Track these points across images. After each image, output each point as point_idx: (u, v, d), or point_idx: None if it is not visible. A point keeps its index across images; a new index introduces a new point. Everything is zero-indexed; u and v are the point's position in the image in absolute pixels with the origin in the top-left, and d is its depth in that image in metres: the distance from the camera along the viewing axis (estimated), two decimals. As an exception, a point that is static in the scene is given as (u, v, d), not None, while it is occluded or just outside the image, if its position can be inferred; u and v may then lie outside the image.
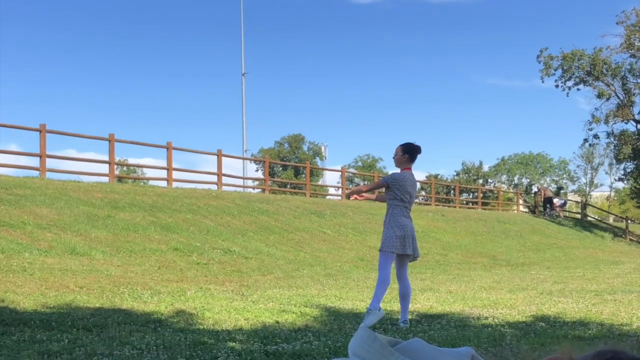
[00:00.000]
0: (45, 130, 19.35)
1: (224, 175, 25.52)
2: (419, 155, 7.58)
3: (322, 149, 48.57)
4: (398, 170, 7.59)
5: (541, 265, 19.43)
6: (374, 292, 7.48)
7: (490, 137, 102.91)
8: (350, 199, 8.09)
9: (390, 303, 9.36)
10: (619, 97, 38.74)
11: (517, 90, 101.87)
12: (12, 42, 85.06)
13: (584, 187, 74.14)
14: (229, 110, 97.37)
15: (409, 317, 7.74)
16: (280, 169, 64.78)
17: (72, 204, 15.22)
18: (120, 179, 26.81)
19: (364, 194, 8.03)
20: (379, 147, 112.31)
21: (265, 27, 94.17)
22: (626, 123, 39.91)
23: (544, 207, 38.71)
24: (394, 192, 7.38)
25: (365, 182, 57.77)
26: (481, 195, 44.27)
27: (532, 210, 41.62)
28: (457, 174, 69.49)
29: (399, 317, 7.71)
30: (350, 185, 43.14)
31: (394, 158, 7.58)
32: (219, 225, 17.18)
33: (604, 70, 37.81)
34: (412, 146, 7.53)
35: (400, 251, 7.32)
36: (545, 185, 41.86)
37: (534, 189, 50.49)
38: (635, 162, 39.95)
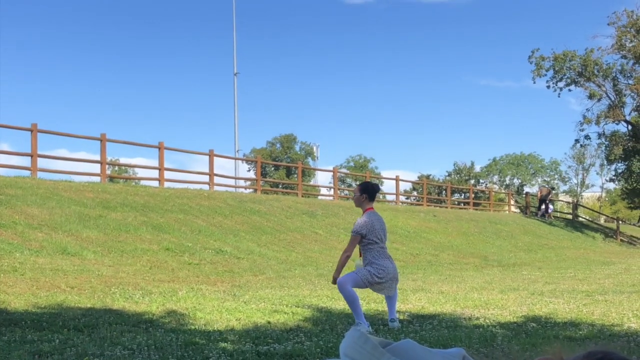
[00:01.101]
0: (37, 130, 19.29)
1: (216, 175, 25.48)
2: (375, 193, 7.56)
3: (314, 149, 48.65)
4: (360, 212, 7.53)
5: (532, 266, 19.47)
6: (352, 311, 7.32)
7: (482, 137, 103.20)
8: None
9: (382, 304, 9.38)
10: (610, 98, 38.88)
11: (508, 91, 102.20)
12: (3, 41, 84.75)
13: (575, 188, 74.40)
14: (221, 110, 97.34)
15: (399, 316, 7.75)
16: (272, 169, 64.74)
17: (64, 204, 15.18)
18: (111, 178, 26.74)
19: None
20: (371, 148, 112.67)
21: (257, 27, 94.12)
22: (617, 124, 40.08)
23: (538, 206, 38.77)
24: (368, 238, 7.27)
25: (357, 182, 57.78)
26: (473, 195, 44.35)
27: (524, 211, 41.71)
28: (449, 175, 69.61)
29: (388, 317, 7.69)
30: (342, 186, 43.10)
31: (353, 199, 7.52)
32: (211, 225, 17.16)
33: (595, 71, 37.93)
34: (369, 185, 7.59)
35: (368, 286, 7.30)
36: (547, 187, 41.90)
37: (535, 189, 50.61)
38: (626, 163, 40.09)
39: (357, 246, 7.39)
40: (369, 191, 7.46)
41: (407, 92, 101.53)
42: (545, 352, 0.90)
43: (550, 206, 39.11)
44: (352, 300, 7.16)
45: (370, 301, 9.61)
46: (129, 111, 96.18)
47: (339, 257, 7.59)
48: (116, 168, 50.77)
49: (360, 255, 7.50)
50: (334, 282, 7.34)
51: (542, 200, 38.54)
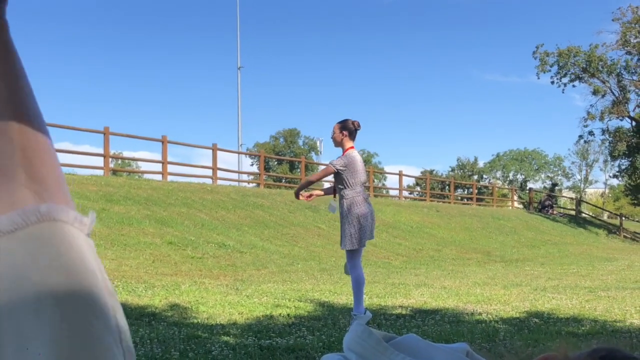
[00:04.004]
0: (40, 123, 19.28)
1: (219, 169, 25.50)
2: (355, 131, 6.95)
3: (318, 144, 48.64)
4: (340, 153, 6.98)
5: (535, 262, 19.46)
6: (353, 296, 6.90)
7: (486, 133, 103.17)
8: (300, 199, 7.19)
9: (385, 298, 9.38)
10: (614, 94, 38.82)
11: (513, 86, 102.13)
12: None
13: (579, 184, 74.32)
14: (225, 104, 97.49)
15: (402, 312, 7.75)
16: (276, 163, 64.75)
17: (67, 197, 15.18)
18: (114, 172, 26.77)
19: (313, 193, 7.34)
20: (374, 143, 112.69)
21: (261, 21, 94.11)
22: (621, 120, 40.03)
23: (539, 208, 38.72)
24: (346, 179, 6.79)
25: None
26: (476, 191, 44.36)
27: (527, 207, 41.70)
28: (452, 170, 69.63)
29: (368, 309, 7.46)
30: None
31: (332, 138, 6.99)
32: (214, 219, 17.17)
33: (600, 67, 37.88)
34: (348, 121, 6.94)
35: (365, 241, 6.83)
36: (544, 193, 41.89)
37: (539, 185, 50.52)
38: (629, 159, 40.06)
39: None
40: (348, 128, 6.89)
41: (411, 87, 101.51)
42: (548, 349, 0.89)
43: (552, 207, 39.03)
44: (358, 282, 6.76)
45: (373, 296, 9.61)
46: (132, 105, 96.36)
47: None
48: (119, 161, 50.78)
49: (335, 196, 7.12)
50: (296, 196, 7.02)
51: (543, 206, 38.47)
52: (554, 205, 38.95)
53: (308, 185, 7.51)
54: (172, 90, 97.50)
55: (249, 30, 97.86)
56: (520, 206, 45.65)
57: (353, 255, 6.85)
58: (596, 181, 75.83)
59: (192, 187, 20.81)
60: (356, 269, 6.82)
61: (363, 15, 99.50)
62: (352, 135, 6.93)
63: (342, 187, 6.86)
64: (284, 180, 36.04)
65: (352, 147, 6.92)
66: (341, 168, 6.77)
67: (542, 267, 17.18)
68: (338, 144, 6.97)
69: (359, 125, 6.95)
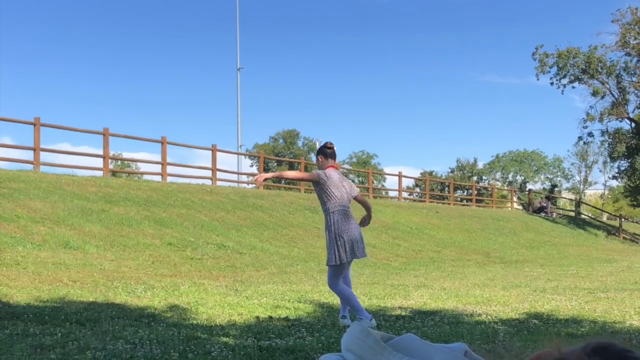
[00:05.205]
0: (40, 124, 19.30)
1: (219, 170, 25.49)
2: (329, 151, 7.09)
3: (317, 145, 48.54)
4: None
5: (535, 263, 19.47)
6: (351, 308, 6.91)
7: (485, 134, 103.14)
8: (257, 182, 6.98)
9: (384, 299, 9.38)
10: (613, 95, 38.83)
11: (512, 88, 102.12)
12: (7, 35, 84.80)
13: (578, 185, 74.29)
14: (224, 106, 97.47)
15: (402, 312, 7.75)
16: (275, 164, 64.70)
17: (66, 198, 15.19)
18: (114, 173, 26.77)
19: (275, 176, 7.39)
20: (374, 144, 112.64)
21: (260, 22, 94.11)
22: (620, 121, 40.03)
23: (535, 211, 38.72)
24: (327, 191, 6.89)
25: (360, 179, 57.74)
26: (475, 192, 44.34)
27: (526, 208, 41.70)
28: (452, 171, 69.61)
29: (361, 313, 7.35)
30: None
31: (317, 166, 7.19)
32: (213, 220, 17.17)
33: (599, 68, 37.87)
34: (321, 147, 7.22)
35: (348, 259, 6.78)
36: (539, 199, 41.82)
37: (538, 186, 50.52)
38: (629, 160, 40.05)
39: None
40: (322, 152, 7.11)
41: (410, 88, 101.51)
42: (542, 346, 0.90)
43: (545, 209, 38.96)
44: (346, 298, 6.80)
45: (373, 297, 9.61)
46: (132, 106, 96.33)
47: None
48: (119, 162, 50.76)
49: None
50: (259, 180, 6.86)
51: (539, 209, 38.44)
52: (550, 207, 38.91)
53: (279, 175, 7.52)
54: (172, 91, 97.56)
55: (248, 31, 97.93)
56: (520, 207, 45.64)
57: (335, 271, 6.85)
58: (595, 182, 75.82)
59: (191, 188, 20.81)
60: (337, 286, 6.85)
61: (361, 16, 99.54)
62: (328, 156, 7.10)
63: (323, 200, 6.97)
64: (283, 182, 36.04)
65: (332, 167, 7.10)
66: (324, 177, 6.90)
67: (541, 268, 17.17)
68: (321, 169, 7.11)
69: (331, 145, 7.18)
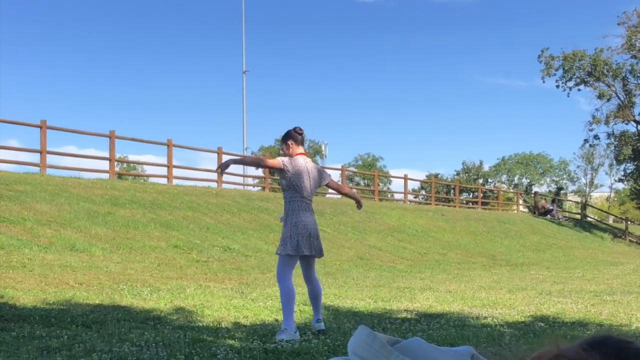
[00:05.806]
0: (46, 127, 19.35)
1: (225, 173, 25.48)
2: (300, 137, 6.69)
3: (323, 147, 48.49)
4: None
5: (540, 266, 19.43)
6: (282, 309, 6.54)
7: (491, 136, 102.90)
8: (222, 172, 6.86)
9: (390, 302, 9.37)
10: (619, 98, 38.74)
11: (518, 90, 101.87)
12: (12, 38, 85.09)
13: (584, 188, 74.12)
14: (230, 108, 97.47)
15: (407, 315, 7.74)
16: (281, 167, 64.70)
17: (72, 201, 15.23)
18: (120, 175, 26.81)
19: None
20: (379, 146, 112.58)
21: (266, 25, 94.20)
22: (627, 124, 39.95)
23: (542, 213, 38.65)
24: (290, 180, 6.50)
25: (365, 181, 57.70)
26: (481, 195, 44.26)
27: (532, 211, 41.62)
28: (457, 174, 69.50)
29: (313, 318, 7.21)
30: (350, 184, 43.02)
31: (284, 152, 6.75)
32: (219, 222, 17.19)
33: (605, 71, 37.80)
34: (290, 131, 6.73)
35: (295, 252, 6.49)
36: (544, 200, 41.72)
37: (544, 188, 50.41)
38: (635, 163, 39.96)
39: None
40: (292, 137, 6.67)
41: (416, 90, 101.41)
42: (540, 347, 0.91)
43: (555, 210, 38.88)
44: (285, 298, 6.43)
45: (378, 300, 9.60)
46: (138, 109, 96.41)
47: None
48: (125, 165, 50.91)
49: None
50: (225, 166, 6.72)
51: (546, 212, 38.37)
52: (556, 210, 38.84)
53: (240, 160, 7.26)
54: (178, 94, 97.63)
55: (254, 33, 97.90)
56: (526, 210, 45.57)
57: (284, 262, 6.59)
58: (601, 185, 75.62)
59: (197, 191, 20.83)
60: (285, 280, 6.53)
61: (367, 19, 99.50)
62: (299, 142, 6.69)
63: (284, 188, 6.64)
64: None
65: (302, 154, 6.69)
66: (288, 166, 6.48)
67: (547, 271, 17.14)
68: (289, 155, 6.66)
69: (301, 130, 6.74)
